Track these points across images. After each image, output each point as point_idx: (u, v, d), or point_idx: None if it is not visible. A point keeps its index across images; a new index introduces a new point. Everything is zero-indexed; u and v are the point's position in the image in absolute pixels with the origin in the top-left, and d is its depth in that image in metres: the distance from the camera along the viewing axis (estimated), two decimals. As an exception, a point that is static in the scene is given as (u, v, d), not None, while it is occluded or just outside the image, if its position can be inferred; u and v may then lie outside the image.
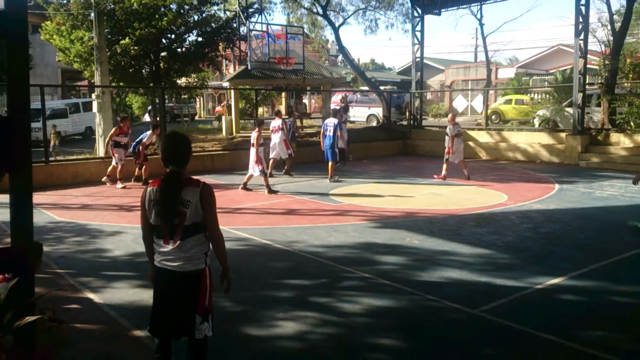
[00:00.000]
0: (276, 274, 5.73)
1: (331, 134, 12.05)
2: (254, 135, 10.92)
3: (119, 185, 11.73)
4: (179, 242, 2.99)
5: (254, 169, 10.86)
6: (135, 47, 16.19)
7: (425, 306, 4.80)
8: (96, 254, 6.57)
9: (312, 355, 3.93)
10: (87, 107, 23.15)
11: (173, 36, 18.13)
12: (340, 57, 43.84)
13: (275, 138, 12.80)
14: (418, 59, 20.20)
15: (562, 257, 6.21)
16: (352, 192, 10.95)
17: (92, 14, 15.06)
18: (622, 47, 17.61)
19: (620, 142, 15.04)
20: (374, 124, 25.42)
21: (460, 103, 38.58)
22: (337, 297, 4.99)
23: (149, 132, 12.16)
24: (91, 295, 5.10)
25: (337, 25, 22.57)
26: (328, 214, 8.89)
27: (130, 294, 5.07)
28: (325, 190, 11.03)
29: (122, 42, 16.12)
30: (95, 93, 15.19)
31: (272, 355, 3.92)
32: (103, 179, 12.10)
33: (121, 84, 18.24)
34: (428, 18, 20.41)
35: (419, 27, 20.09)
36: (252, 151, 10.92)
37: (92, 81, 16.73)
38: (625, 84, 17.47)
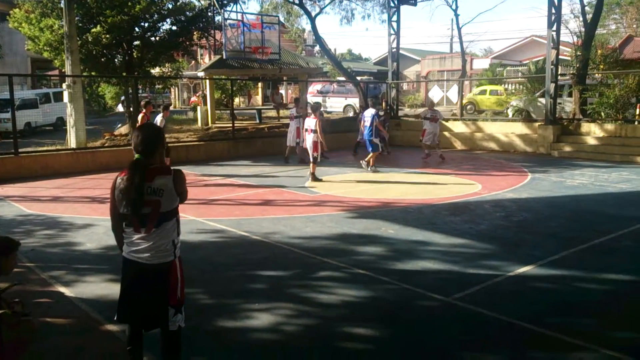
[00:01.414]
0: (251, 265, 5.70)
1: (368, 124, 12.03)
2: (313, 122, 10.91)
3: None
4: (153, 229, 2.97)
5: (311, 155, 10.95)
6: (107, 36, 15.86)
7: (400, 295, 4.84)
8: (67, 247, 6.44)
9: (287, 347, 3.92)
10: (58, 97, 22.65)
11: (146, 25, 17.82)
12: (317, 47, 43.70)
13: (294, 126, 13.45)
14: (394, 50, 20.22)
15: (534, 245, 6.32)
16: (328, 183, 10.95)
17: (62, 1, 14.66)
18: (594, 39, 17.92)
19: (591, 132, 15.35)
20: (351, 114, 25.45)
21: (436, 93, 38.86)
22: (313, 288, 5.00)
23: (159, 117, 11.00)
24: (62, 289, 5.01)
25: (313, 14, 22.44)
26: (304, 204, 8.89)
27: (102, 288, 4.99)
28: (302, 182, 11.01)
29: (94, 30, 15.77)
30: (66, 83, 14.83)
31: (247, 347, 3.91)
32: None
33: (93, 73, 17.86)
34: (404, 8, 20.45)
35: (395, 18, 20.08)
36: (310, 137, 10.95)
37: (63, 70, 16.34)
38: (596, 75, 17.79)
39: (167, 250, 3.02)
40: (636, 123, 15.24)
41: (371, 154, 12.03)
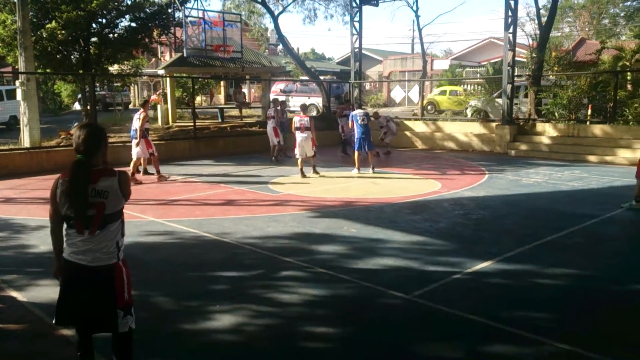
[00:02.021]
0: (212, 266, 5.65)
1: (366, 122, 12.13)
2: (306, 120, 11.43)
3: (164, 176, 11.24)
4: (97, 231, 2.91)
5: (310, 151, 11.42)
6: (63, 32, 15.37)
7: (361, 293, 4.89)
8: (20, 250, 6.23)
9: (248, 347, 3.91)
10: (11, 94, 21.79)
11: (104, 21, 17.36)
12: (280, 46, 43.56)
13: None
14: (357, 50, 20.37)
15: (490, 242, 6.50)
16: (291, 182, 10.96)
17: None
18: (548, 41, 18.53)
19: (546, 132, 15.86)
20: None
21: (397, 94, 39.37)
22: (274, 288, 4.99)
23: (141, 114, 10.97)
24: (14, 294, 4.84)
25: (276, 13, 22.41)
26: (266, 204, 8.86)
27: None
28: (265, 181, 10.98)
29: (49, 25, 15.26)
30: (20, 80, 14.30)
31: (207, 349, 3.88)
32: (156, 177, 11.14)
33: (48, 70, 17.30)
34: (366, 9, 20.59)
35: (357, 18, 20.23)
36: (304, 135, 11.37)
37: (16, 67, 15.76)
38: (551, 76, 18.40)
39: (111, 252, 2.96)
40: (588, 123, 15.83)
41: (370, 153, 12.18)
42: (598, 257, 6.09)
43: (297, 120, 11.60)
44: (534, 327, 4.14)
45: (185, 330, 4.12)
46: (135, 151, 11.04)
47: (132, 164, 10.96)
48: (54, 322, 3.10)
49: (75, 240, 2.93)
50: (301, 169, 11.42)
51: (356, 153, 12.13)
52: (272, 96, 25.00)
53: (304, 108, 12.16)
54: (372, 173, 11.91)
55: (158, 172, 11.19)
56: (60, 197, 2.92)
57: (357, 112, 12.57)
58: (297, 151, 11.53)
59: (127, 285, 3.04)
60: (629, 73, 17.79)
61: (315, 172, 11.78)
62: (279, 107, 15.00)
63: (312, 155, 11.61)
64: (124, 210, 3.09)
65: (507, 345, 3.88)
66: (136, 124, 11.05)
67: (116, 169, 3.04)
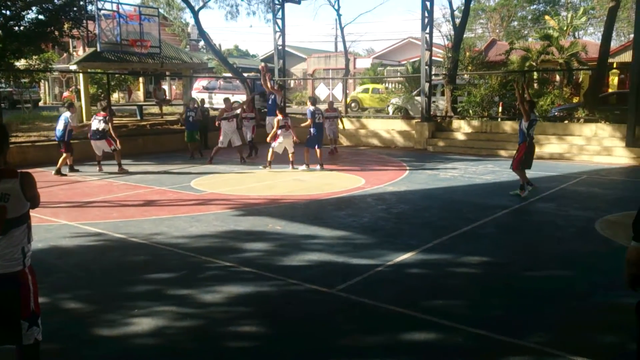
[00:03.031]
0: (131, 269, 5.43)
1: (320, 120, 12.38)
2: (279, 119, 11.84)
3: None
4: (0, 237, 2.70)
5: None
6: (-39, 23, 14.18)
7: (286, 290, 4.90)
8: None
9: (170, 350, 3.80)
10: None
11: (8, 12, 16.18)
12: (202, 42, 42.61)
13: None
14: (280, 47, 20.34)
15: (411, 235, 6.72)
16: (215, 181, 10.77)
17: None
18: (462, 41, 19.41)
19: (461, 128, 16.63)
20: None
21: (322, 91, 39.72)
22: (197, 288, 4.88)
23: (68, 114, 11.35)
24: None
25: (196, 8, 21.85)
26: (189, 203, 8.65)
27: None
28: (187, 180, 10.71)
29: (-57, 16, 14.02)
30: None
31: (126, 355, 3.72)
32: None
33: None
34: (289, 6, 20.62)
35: (280, 15, 20.20)
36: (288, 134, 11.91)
37: None
38: (465, 75, 19.30)
39: (16, 259, 2.75)
40: (499, 120, 16.77)
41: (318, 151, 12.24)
42: (509, 245, 6.47)
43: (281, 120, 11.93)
44: (451, 314, 4.33)
45: (104, 336, 3.94)
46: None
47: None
48: None
49: None
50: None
51: (316, 151, 12.18)
52: (194, 93, 24.43)
53: (282, 109, 12.48)
54: (320, 170, 12.05)
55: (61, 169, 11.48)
56: None
57: (312, 108, 12.48)
58: (276, 145, 11.99)
59: (34, 294, 2.84)
60: (535, 73, 19.01)
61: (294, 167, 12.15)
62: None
63: (292, 152, 12.17)
64: (31, 214, 2.89)
65: (426, 332, 4.03)
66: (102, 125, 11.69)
67: (19, 170, 2.83)
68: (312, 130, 12.25)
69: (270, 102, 14.69)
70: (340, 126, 15.72)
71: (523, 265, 5.68)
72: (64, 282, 5.00)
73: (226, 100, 14.20)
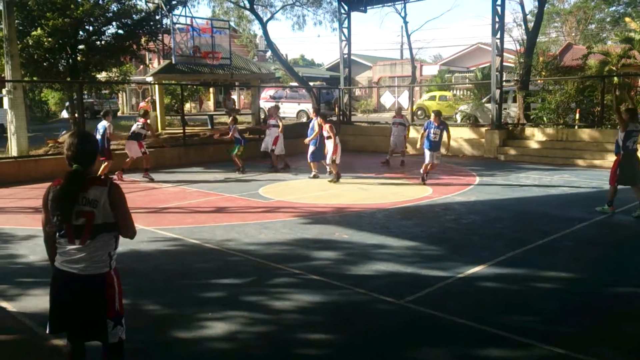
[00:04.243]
0: (205, 274, 5.62)
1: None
2: (326, 126, 11.49)
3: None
4: (88, 241, 2.87)
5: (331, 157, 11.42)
6: (49, 39, 15.29)
7: (354, 299, 4.89)
8: (9, 259, 6.16)
9: (242, 355, 3.89)
10: (-2, 103, 21.63)
11: (91, 28, 17.28)
12: (269, 53, 43.63)
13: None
14: (346, 56, 20.45)
15: (482, 247, 6.52)
16: (281, 189, 10.95)
17: (1, 4, 14.03)
18: (535, 46, 18.70)
19: (534, 136, 15.99)
20: (304, 119, 25.52)
21: (387, 99, 39.52)
22: (267, 295, 4.97)
23: (106, 123, 11.67)
24: (4, 304, 4.78)
25: (265, 20, 22.41)
26: (258, 211, 8.84)
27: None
28: (256, 187, 10.96)
29: (34, 33, 15.16)
30: (7, 88, 14.19)
31: (200, 358, 3.85)
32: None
33: (35, 78, 17.16)
34: (355, 15, 20.74)
35: (346, 24, 20.34)
36: (330, 142, 11.43)
37: (3, 76, 15.62)
38: (538, 81, 18.56)
39: (103, 261, 2.92)
40: (576, 127, 15.99)
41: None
42: (588, 260, 6.14)
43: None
44: (526, 330, 4.16)
45: (179, 339, 4.09)
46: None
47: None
48: (47, 331, 3.06)
49: (67, 249, 2.90)
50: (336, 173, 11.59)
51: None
52: (261, 103, 25.02)
53: (324, 115, 12.41)
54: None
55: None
56: (52, 204, 2.88)
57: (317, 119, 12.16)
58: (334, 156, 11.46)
59: (119, 295, 3.00)
60: (615, 77, 18.02)
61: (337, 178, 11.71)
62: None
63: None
64: None
65: (499, 348, 3.90)
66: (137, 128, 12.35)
67: (109, 179, 3.01)
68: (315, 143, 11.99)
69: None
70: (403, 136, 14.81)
71: (603, 281, 5.37)
72: (142, 285, 5.24)
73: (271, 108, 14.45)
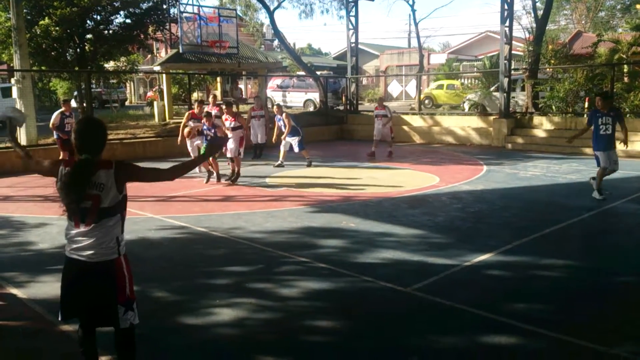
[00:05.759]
0: (212, 262, 5.66)
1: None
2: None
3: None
4: (92, 224, 2.88)
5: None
6: (57, 29, 15.33)
7: (361, 287, 4.91)
8: (19, 247, 6.23)
9: (249, 341, 3.93)
10: (7, 92, 21.73)
11: (99, 17, 17.30)
12: (276, 42, 43.48)
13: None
14: (353, 44, 20.35)
15: (489, 235, 6.52)
16: (289, 177, 10.96)
17: (9, -7, 14.07)
18: (544, 34, 18.51)
19: (543, 125, 15.87)
20: (311, 109, 25.47)
21: (394, 88, 39.33)
22: (275, 282, 5.01)
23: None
24: (14, 291, 4.84)
25: (272, 8, 22.30)
26: (265, 199, 8.87)
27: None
28: (262, 176, 10.98)
29: (42, 22, 15.20)
30: (15, 78, 14.27)
31: (209, 343, 3.89)
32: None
33: (43, 67, 17.23)
34: (362, 3, 20.61)
35: (353, 12, 20.21)
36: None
37: (11, 65, 15.72)
38: (547, 70, 18.39)
39: (111, 247, 2.93)
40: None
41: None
42: (596, 249, 6.12)
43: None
44: (532, 318, 4.16)
45: (187, 325, 4.14)
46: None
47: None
48: (59, 318, 3.09)
49: (74, 235, 2.91)
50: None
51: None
52: (269, 92, 25.00)
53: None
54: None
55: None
56: (60, 186, 2.88)
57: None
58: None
59: (129, 281, 3.02)
60: (625, 65, 17.81)
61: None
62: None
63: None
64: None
65: (506, 336, 3.90)
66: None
67: (112, 160, 2.96)
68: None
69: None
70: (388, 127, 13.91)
71: (612, 269, 5.36)
72: (150, 272, 5.29)
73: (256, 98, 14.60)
